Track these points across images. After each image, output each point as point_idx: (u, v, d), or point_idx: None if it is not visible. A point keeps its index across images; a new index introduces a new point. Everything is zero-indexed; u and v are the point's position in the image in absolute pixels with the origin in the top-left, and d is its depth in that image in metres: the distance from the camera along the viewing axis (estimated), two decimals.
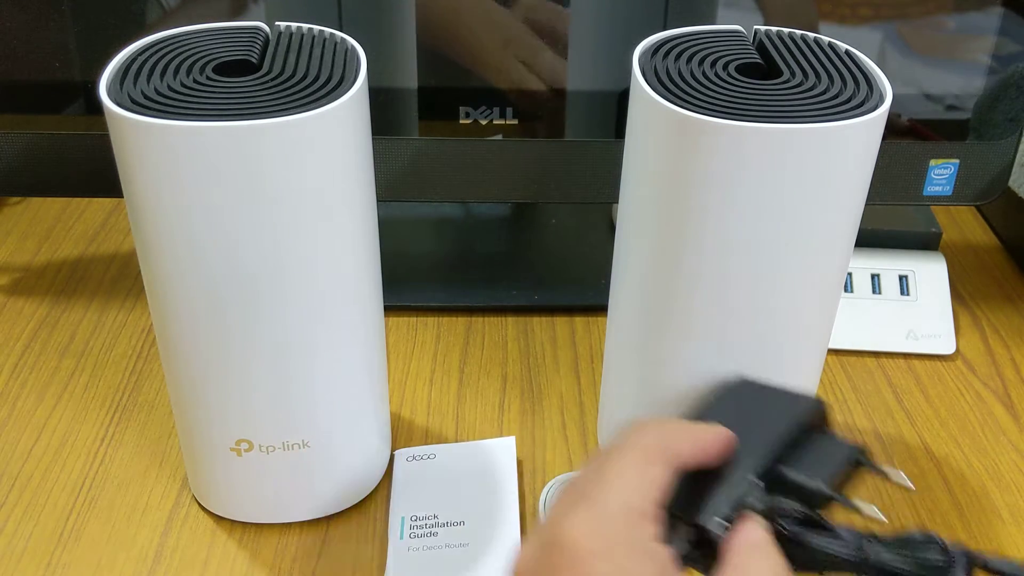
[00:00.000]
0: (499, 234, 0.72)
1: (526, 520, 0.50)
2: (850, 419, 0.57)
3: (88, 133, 0.58)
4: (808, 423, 0.41)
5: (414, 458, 0.52)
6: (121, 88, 0.38)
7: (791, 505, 0.36)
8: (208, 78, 0.39)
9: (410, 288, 0.66)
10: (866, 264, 0.65)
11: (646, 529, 0.32)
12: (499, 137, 0.59)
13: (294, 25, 0.44)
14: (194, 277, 0.40)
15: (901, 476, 0.39)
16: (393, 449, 0.53)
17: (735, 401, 0.43)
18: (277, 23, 0.44)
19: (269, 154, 0.37)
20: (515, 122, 0.59)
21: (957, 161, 0.60)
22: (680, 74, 0.41)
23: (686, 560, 0.36)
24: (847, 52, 0.43)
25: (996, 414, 0.58)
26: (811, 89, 0.40)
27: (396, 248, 0.69)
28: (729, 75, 0.41)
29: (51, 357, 0.61)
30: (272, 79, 0.39)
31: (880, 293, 0.64)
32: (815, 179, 0.39)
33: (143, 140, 0.37)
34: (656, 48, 0.43)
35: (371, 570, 0.47)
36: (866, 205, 0.45)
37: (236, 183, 0.38)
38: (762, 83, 0.41)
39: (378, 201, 0.46)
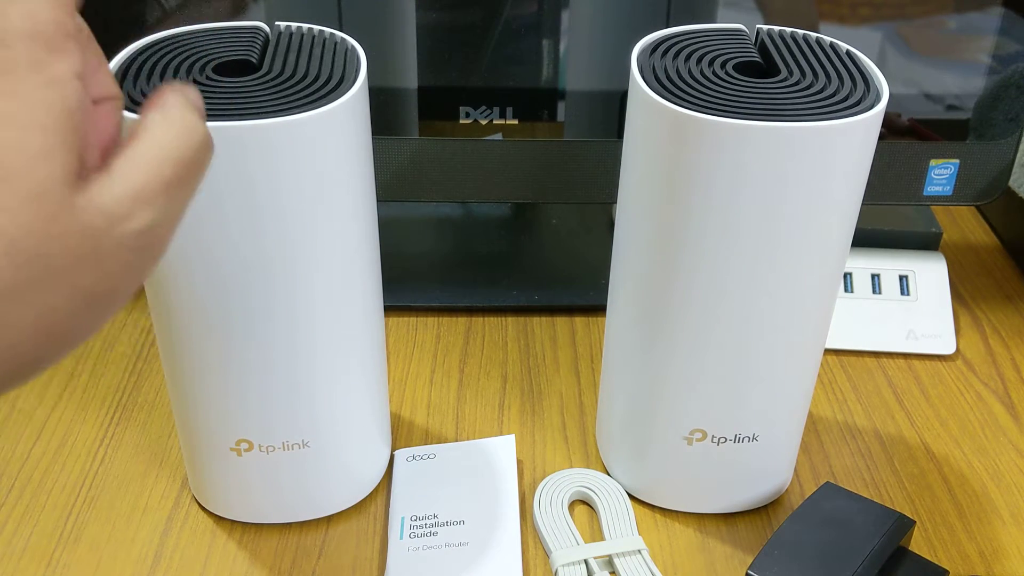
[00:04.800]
0: (499, 234, 0.72)
1: (526, 519, 0.50)
2: (850, 419, 0.57)
3: None
4: (897, 540, 0.44)
5: (414, 458, 0.52)
6: (121, 88, 0.38)
7: None
8: (208, 78, 0.39)
9: (410, 288, 0.66)
10: (866, 264, 0.65)
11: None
12: (499, 137, 0.59)
13: (294, 25, 0.44)
14: (193, 277, 0.40)
15: None
16: (393, 449, 0.53)
17: (825, 510, 0.45)
18: (277, 23, 0.44)
19: (269, 154, 0.37)
20: (515, 122, 0.59)
21: (957, 161, 0.60)
22: (678, 72, 0.41)
23: None
24: (848, 52, 0.43)
25: (996, 414, 0.58)
26: (808, 88, 0.40)
27: (396, 248, 0.69)
28: (727, 74, 0.41)
29: None
30: (272, 79, 0.39)
31: (880, 293, 0.64)
32: (812, 177, 0.39)
33: None
34: (655, 47, 0.43)
35: (371, 570, 0.47)
36: (866, 205, 0.45)
37: (236, 183, 0.38)
38: (758, 81, 0.41)
39: (378, 201, 0.46)
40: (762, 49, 0.44)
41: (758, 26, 0.46)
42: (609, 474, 0.52)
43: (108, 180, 0.26)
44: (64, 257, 0.25)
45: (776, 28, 0.45)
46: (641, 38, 0.44)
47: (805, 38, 0.44)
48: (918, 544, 0.49)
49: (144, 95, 0.38)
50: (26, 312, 0.25)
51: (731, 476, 0.49)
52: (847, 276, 0.65)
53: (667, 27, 0.45)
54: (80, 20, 0.27)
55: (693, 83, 0.40)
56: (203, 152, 0.29)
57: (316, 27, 0.44)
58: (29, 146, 0.24)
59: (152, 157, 0.27)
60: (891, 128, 0.60)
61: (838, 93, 0.40)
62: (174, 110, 0.28)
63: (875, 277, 0.65)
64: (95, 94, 0.28)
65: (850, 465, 0.54)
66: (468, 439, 0.55)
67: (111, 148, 0.28)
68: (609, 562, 0.47)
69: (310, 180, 0.39)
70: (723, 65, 0.42)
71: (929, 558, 0.46)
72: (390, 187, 0.60)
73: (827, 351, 0.62)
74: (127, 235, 0.26)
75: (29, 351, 0.25)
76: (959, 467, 0.54)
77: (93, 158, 0.27)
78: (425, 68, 0.58)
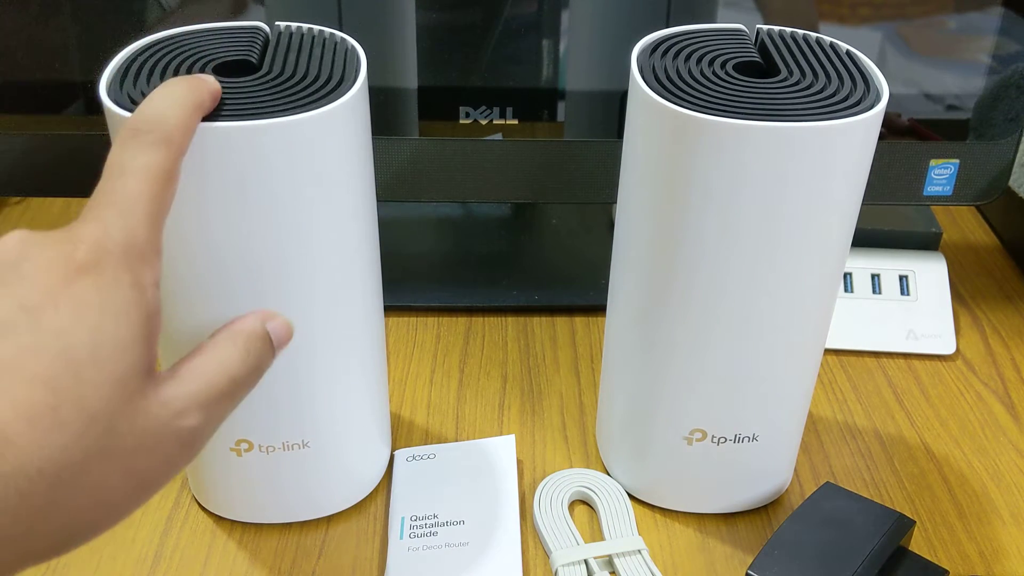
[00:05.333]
0: (499, 234, 0.72)
1: (526, 519, 0.50)
2: (850, 419, 0.57)
3: (88, 133, 0.58)
4: (897, 540, 0.44)
5: (414, 458, 0.52)
6: (121, 88, 0.38)
7: None
8: None
9: (410, 288, 0.66)
10: (866, 264, 0.65)
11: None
12: (499, 137, 0.59)
13: (294, 25, 0.44)
14: (193, 277, 0.40)
15: None
16: (393, 449, 0.53)
17: (825, 510, 0.45)
18: (277, 23, 0.44)
19: (269, 154, 0.37)
20: (515, 122, 0.59)
21: (957, 161, 0.60)
22: (678, 72, 0.41)
23: None
24: (848, 52, 0.43)
25: (996, 414, 0.58)
26: (808, 88, 0.40)
27: (396, 248, 0.69)
28: (727, 73, 0.41)
29: None
30: (272, 79, 0.39)
31: (880, 293, 0.64)
32: (812, 177, 0.39)
33: None
34: (655, 47, 0.43)
35: (371, 570, 0.47)
36: (866, 205, 0.45)
37: (235, 183, 0.38)
38: (758, 81, 0.41)
39: (378, 201, 0.46)
40: (762, 49, 0.44)
41: (758, 26, 0.46)
42: (609, 474, 0.52)
43: (173, 380, 0.31)
44: (128, 440, 0.28)
45: (776, 28, 0.45)
46: (641, 38, 0.44)
47: (805, 38, 0.44)
48: (918, 544, 0.49)
49: (144, 95, 0.38)
50: (88, 486, 0.28)
51: (731, 476, 0.49)
52: (847, 276, 0.65)
53: (667, 27, 0.45)
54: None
55: (693, 83, 0.40)
56: (254, 377, 0.34)
57: (316, 27, 0.44)
58: (121, 336, 0.28)
59: (212, 371, 0.32)
60: (891, 128, 0.60)
61: (838, 93, 0.40)
62: (241, 338, 0.34)
63: (875, 277, 0.65)
64: None
65: (850, 465, 0.54)
66: (468, 439, 0.55)
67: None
68: (609, 562, 0.47)
69: (310, 180, 0.39)
70: (723, 65, 0.42)
71: (929, 558, 0.46)
72: (390, 187, 0.60)
73: (827, 351, 0.62)
74: (180, 430, 0.30)
75: (86, 521, 0.29)
76: (959, 467, 0.54)
77: (154, 361, 0.31)
78: (425, 68, 0.58)
